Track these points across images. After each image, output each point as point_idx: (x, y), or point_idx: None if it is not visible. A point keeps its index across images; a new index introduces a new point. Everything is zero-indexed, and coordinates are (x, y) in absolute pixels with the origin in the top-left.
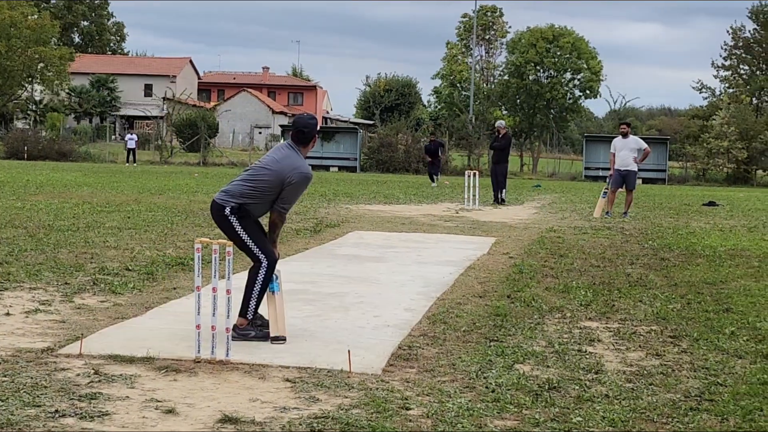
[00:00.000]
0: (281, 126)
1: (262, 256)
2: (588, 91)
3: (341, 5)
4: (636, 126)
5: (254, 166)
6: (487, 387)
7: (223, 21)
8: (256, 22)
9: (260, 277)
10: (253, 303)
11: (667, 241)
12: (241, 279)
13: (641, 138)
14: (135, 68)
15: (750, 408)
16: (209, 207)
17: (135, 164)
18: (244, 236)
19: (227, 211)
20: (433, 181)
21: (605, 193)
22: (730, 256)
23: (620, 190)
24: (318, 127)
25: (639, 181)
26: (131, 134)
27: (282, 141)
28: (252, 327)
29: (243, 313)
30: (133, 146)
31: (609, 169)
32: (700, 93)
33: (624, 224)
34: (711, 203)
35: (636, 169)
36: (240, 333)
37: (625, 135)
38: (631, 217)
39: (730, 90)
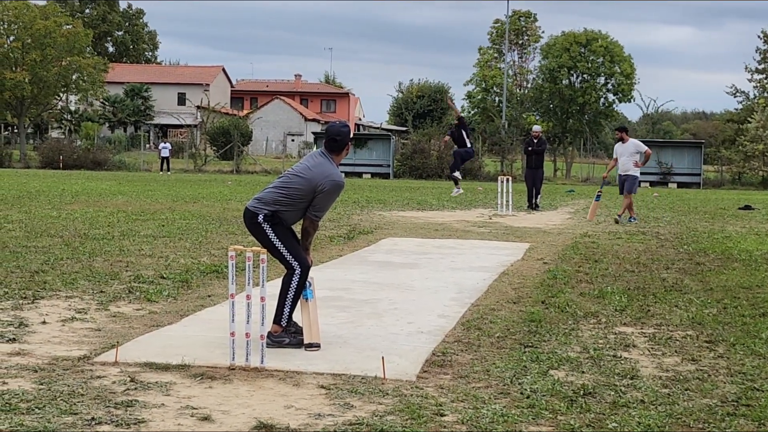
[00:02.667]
0: (314, 133)
1: (295, 264)
2: (621, 95)
3: (372, 11)
4: (671, 130)
5: (287, 173)
6: (521, 393)
7: (255, 28)
8: (287, 28)
9: (293, 285)
10: (287, 310)
11: (702, 246)
12: (275, 286)
13: (642, 141)
14: (168, 77)
15: None
16: (242, 215)
17: (169, 172)
18: (278, 243)
19: (260, 218)
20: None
21: (599, 196)
22: (766, 260)
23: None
24: (351, 135)
25: (674, 186)
26: (165, 143)
27: (315, 149)
28: (286, 334)
29: (277, 320)
30: (167, 155)
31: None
32: (735, 97)
33: (630, 227)
34: (747, 207)
35: (636, 174)
36: (274, 340)
37: (622, 140)
38: (623, 222)
39: (766, 94)
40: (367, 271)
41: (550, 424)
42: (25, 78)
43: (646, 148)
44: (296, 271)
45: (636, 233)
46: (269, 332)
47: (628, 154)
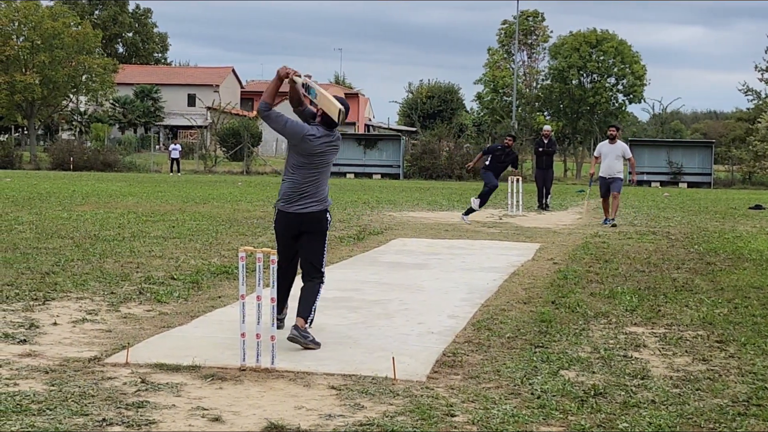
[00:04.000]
0: None
1: (324, 271)
2: (632, 96)
3: (382, 12)
4: (680, 129)
5: (321, 158)
6: (532, 393)
7: (265, 29)
8: (296, 29)
9: (321, 290)
10: (314, 312)
11: (713, 245)
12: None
13: (624, 145)
14: (178, 78)
15: None
16: (292, 215)
17: (179, 173)
18: (325, 248)
19: (329, 221)
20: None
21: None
22: None
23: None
24: (349, 108)
25: (684, 185)
26: (175, 144)
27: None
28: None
29: (305, 316)
30: (177, 156)
31: (649, 173)
32: (746, 96)
33: (611, 228)
34: (757, 206)
35: (622, 177)
36: (302, 333)
37: (612, 139)
38: (653, 234)
39: None
40: (377, 271)
41: (561, 425)
42: (35, 80)
43: (631, 155)
44: (323, 280)
45: (646, 233)
46: (296, 325)
47: (615, 156)
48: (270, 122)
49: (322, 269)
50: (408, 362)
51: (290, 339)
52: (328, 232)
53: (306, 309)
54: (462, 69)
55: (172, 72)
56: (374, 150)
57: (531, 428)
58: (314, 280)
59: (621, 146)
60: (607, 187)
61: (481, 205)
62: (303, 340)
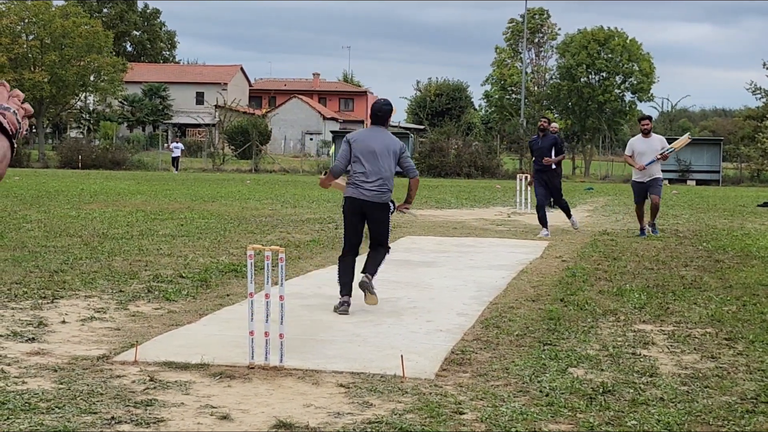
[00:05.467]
0: (332, 132)
1: (389, 245)
2: (641, 93)
3: (390, 10)
4: (688, 127)
5: (374, 157)
6: (540, 391)
7: (273, 27)
8: (305, 28)
9: (385, 257)
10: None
11: (721, 243)
12: (293, 285)
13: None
14: (187, 77)
15: None
16: (359, 201)
17: (176, 171)
18: (389, 227)
19: (392, 207)
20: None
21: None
22: None
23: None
24: (392, 110)
25: (693, 183)
26: (176, 142)
27: (333, 148)
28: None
29: (372, 273)
30: (178, 155)
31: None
32: (754, 94)
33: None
34: (766, 204)
35: (661, 176)
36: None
37: (647, 133)
38: (661, 231)
39: None
40: (385, 269)
41: (569, 422)
42: (44, 78)
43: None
44: (389, 250)
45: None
46: (370, 277)
47: (652, 153)
48: None
49: (387, 242)
50: (417, 360)
51: (363, 286)
52: (390, 215)
53: (374, 268)
54: (470, 67)
55: (181, 70)
56: None
57: (539, 426)
58: (382, 248)
59: (658, 142)
60: (644, 192)
61: (568, 215)
62: (371, 290)
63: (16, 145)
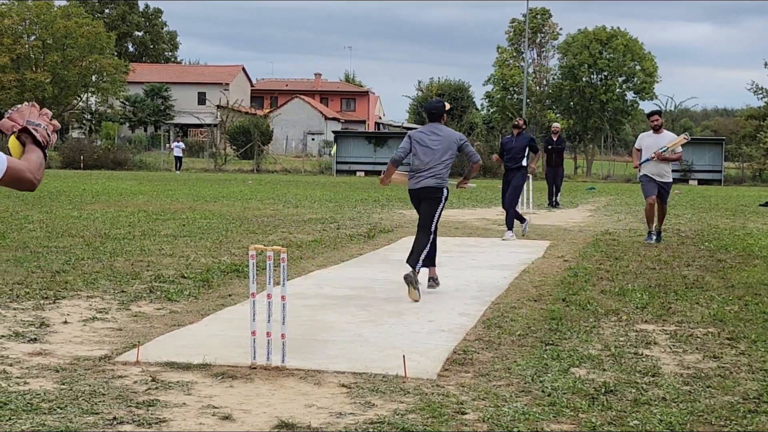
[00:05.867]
0: (334, 132)
1: (431, 230)
2: (643, 93)
3: (392, 10)
4: (689, 126)
5: (430, 150)
6: (542, 391)
7: (275, 28)
8: (306, 28)
9: (427, 247)
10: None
11: (723, 243)
12: (294, 285)
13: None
14: (188, 77)
15: None
16: (416, 188)
17: (178, 171)
18: (440, 213)
19: (446, 192)
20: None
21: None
22: None
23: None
24: (446, 107)
25: (695, 183)
26: (178, 142)
27: (334, 148)
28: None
29: (414, 265)
30: (180, 154)
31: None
32: (755, 94)
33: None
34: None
35: (672, 180)
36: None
37: (657, 129)
38: (663, 231)
39: None
40: (387, 269)
41: (571, 422)
42: (45, 78)
43: (681, 150)
44: (431, 238)
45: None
46: (414, 272)
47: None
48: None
49: (435, 228)
50: (418, 360)
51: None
52: (443, 202)
53: (432, 258)
54: (472, 67)
55: (183, 70)
56: (384, 148)
57: (541, 426)
58: (427, 235)
59: (670, 138)
60: (656, 188)
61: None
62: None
63: (47, 155)
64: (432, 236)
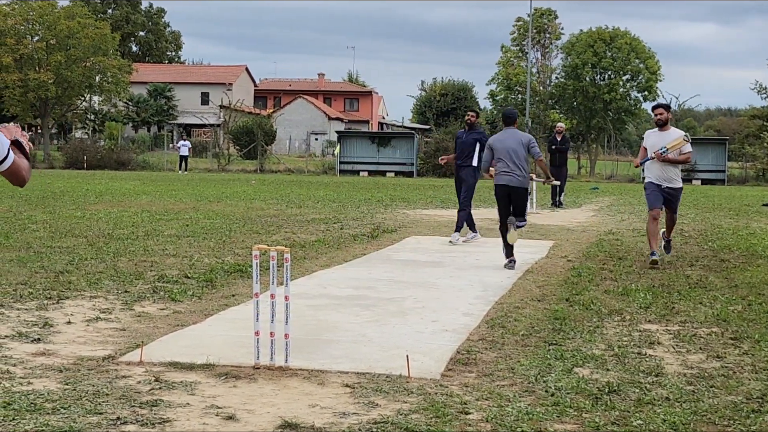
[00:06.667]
0: (337, 132)
1: (525, 217)
2: (647, 92)
3: (394, 10)
4: (693, 126)
5: (507, 152)
6: (546, 391)
7: (278, 28)
8: (310, 28)
9: (523, 223)
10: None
11: (727, 243)
12: (298, 285)
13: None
14: (192, 77)
15: None
16: (504, 186)
17: (185, 172)
18: (527, 203)
19: (528, 187)
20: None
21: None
22: None
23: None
24: (517, 114)
25: (698, 182)
26: (184, 140)
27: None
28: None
29: (516, 219)
30: (186, 153)
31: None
32: (759, 94)
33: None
34: None
35: (682, 186)
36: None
37: (663, 125)
38: (675, 250)
39: None
40: (391, 269)
41: (575, 422)
42: (49, 79)
43: (690, 150)
44: (526, 220)
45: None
46: (514, 219)
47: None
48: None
49: (526, 213)
50: (422, 360)
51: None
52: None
53: (522, 218)
54: (475, 67)
55: (186, 71)
56: (388, 148)
57: (545, 426)
58: (520, 219)
59: (672, 137)
60: (662, 197)
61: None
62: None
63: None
64: (526, 220)
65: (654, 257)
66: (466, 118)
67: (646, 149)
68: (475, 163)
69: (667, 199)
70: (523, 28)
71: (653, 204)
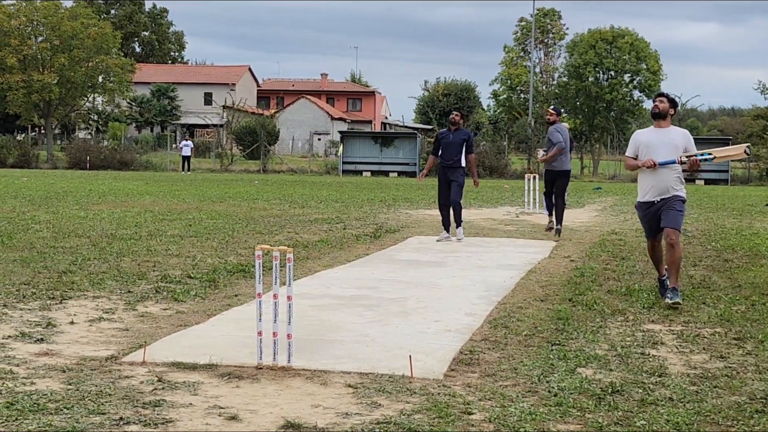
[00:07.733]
0: (340, 132)
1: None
2: (648, 92)
3: (398, 10)
4: (696, 126)
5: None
6: (549, 391)
7: (281, 28)
8: (313, 28)
9: (565, 204)
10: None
11: (730, 243)
12: (301, 285)
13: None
14: (195, 77)
15: None
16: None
17: (188, 172)
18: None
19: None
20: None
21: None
22: None
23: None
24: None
25: (701, 182)
26: (186, 141)
27: (341, 148)
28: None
29: (560, 220)
30: (188, 153)
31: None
32: (762, 94)
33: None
34: None
35: (684, 197)
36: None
37: (661, 117)
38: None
39: None
40: (394, 269)
41: (578, 422)
42: (52, 80)
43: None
44: (567, 202)
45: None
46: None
47: (670, 148)
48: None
49: (566, 198)
50: (425, 360)
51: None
52: None
53: (560, 218)
54: (478, 67)
55: (189, 71)
56: (390, 148)
57: (548, 426)
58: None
59: (680, 136)
60: (655, 221)
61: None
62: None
63: None
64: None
65: (663, 288)
66: (451, 117)
67: (635, 156)
68: (463, 163)
69: (662, 214)
70: (526, 28)
71: (647, 234)
